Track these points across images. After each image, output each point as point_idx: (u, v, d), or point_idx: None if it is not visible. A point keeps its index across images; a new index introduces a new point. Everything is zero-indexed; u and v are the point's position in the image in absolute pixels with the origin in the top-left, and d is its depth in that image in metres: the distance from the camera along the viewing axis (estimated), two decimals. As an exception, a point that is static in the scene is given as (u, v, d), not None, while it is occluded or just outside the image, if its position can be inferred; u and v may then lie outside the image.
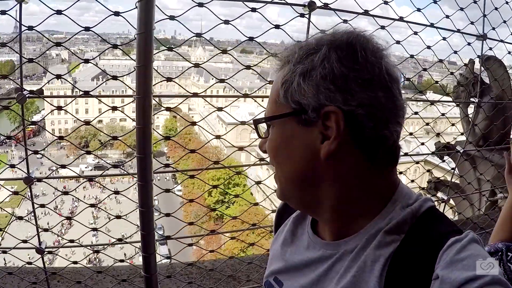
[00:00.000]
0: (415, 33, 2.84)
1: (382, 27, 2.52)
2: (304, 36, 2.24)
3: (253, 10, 2.30)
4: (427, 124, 3.19)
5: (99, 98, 2.44)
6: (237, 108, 46.02)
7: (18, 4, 2.02)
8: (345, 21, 2.26)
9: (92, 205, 2.59)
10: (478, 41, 3.27)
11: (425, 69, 3.09)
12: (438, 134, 3.54)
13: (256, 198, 37.96)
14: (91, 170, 51.03)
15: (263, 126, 1.15)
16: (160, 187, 2.39)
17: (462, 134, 4.13)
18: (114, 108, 2.28)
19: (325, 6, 2.43)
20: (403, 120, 1.04)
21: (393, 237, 0.99)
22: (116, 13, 2.08)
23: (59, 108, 2.26)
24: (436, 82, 3.33)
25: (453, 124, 3.71)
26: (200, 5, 2.14)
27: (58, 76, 2.15)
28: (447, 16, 3.03)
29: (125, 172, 2.68)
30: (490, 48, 3.34)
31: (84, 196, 36.75)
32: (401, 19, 2.73)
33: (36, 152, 2.36)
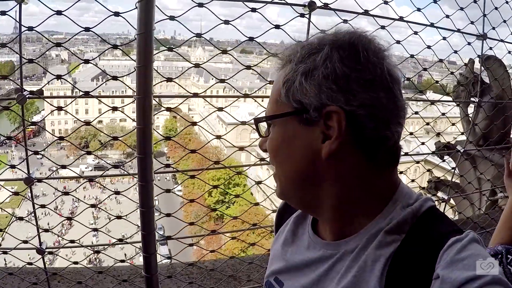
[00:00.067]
0: (415, 32, 2.83)
1: (382, 27, 2.52)
2: (304, 36, 2.24)
3: (253, 10, 2.30)
4: (427, 123, 3.19)
5: (99, 98, 2.43)
6: (237, 108, 46.04)
7: (18, 5, 2.01)
8: (345, 21, 2.26)
9: (92, 205, 2.59)
10: (478, 41, 3.27)
11: (425, 69, 3.09)
12: (438, 134, 3.54)
13: (256, 198, 37.96)
14: (91, 170, 51.07)
15: (263, 125, 1.15)
16: (160, 187, 2.39)
17: (462, 133, 4.13)
18: (115, 109, 2.28)
19: (325, 6, 2.43)
20: (403, 120, 1.05)
21: (394, 237, 0.99)
22: (116, 14, 2.08)
23: (59, 108, 2.27)
24: (437, 82, 3.33)
25: (453, 124, 3.71)
26: (200, 5, 2.14)
27: (58, 77, 2.14)
28: (447, 16, 3.03)
29: (125, 173, 2.68)
30: (490, 48, 3.34)
31: (84, 197, 36.80)
32: (401, 19, 2.73)
33: (36, 153, 2.36)
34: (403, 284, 0.93)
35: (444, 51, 3.25)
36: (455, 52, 3.16)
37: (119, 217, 2.55)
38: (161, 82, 2.38)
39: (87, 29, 2.14)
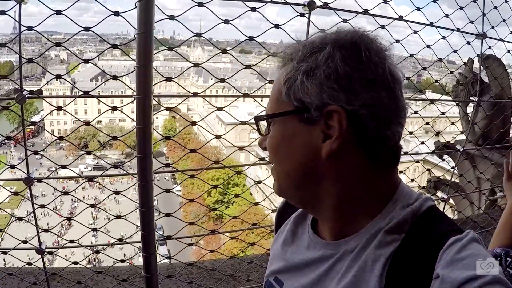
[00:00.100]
0: (415, 32, 2.83)
1: (382, 26, 2.52)
2: (303, 35, 2.24)
3: (253, 9, 2.30)
4: (427, 123, 3.19)
5: (98, 98, 2.43)
6: (236, 108, 46.04)
7: (18, 4, 2.01)
8: (344, 21, 2.26)
9: (92, 205, 2.58)
10: (477, 40, 3.27)
11: (424, 68, 3.09)
12: (438, 133, 3.54)
13: (255, 198, 38.01)
14: (90, 170, 51.09)
15: (263, 124, 1.14)
16: (160, 187, 2.39)
17: (462, 133, 4.13)
18: (114, 108, 2.27)
19: (325, 6, 2.43)
20: (404, 121, 1.05)
21: (394, 236, 1.00)
22: (116, 13, 2.07)
23: (59, 108, 2.26)
24: (436, 81, 3.33)
25: (452, 123, 3.71)
26: (200, 4, 2.13)
27: (58, 76, 2.14)
28: (447, 15, 3.03)
29: (125, 172, 2.67)
30: (490, 47, 3.34)
31: (83, 197, 36.75)
32: (400, 18, 2.73)
33: (36, 153, 2.36)
34: (403, 284, 0.93)
35: (443, 50, 3.25)
36: (455, 51, 3.16)
37: (118, 217, 2.55)
38: (160, 82, 2.38)
39: (86, 29, 2.13)
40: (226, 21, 2.25)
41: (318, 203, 1.08)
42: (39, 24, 2.05)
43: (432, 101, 3.38)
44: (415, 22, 2.85)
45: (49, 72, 2.89)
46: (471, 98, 4.62)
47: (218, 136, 2.53)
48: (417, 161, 3.38)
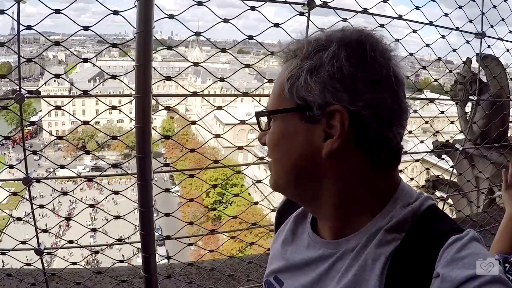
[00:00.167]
0: (414, 31, 2.83)
1: (381, 25, 2.52)
2: (302, 35, 2.23)
3: (252, 8, 2.30)
4: (426, 122, 3.19)
5: (97, 97, 2.42)
6: (234, 109, 46.05)
7: (16, 4, 2.01)
8: (344, 19, 2.26)
9: (91, 205, 2.58)
10: (476, 39, 3.28)
11: (424, 67, 3.10)
12: (437, 132, 3.55)
13: (254, 198, 38.00)
14: (89, 171, 51.04)
15: (263, 119, 1.14)
16: (159, 187, 2.38)
17: (461, 132, 4.14)
18: (113, 108, 2.27)
19: (324, 5, 2.43)
20: (406, 122, 1.05)
21: (394, 235, 0.99)
22: (115, 12, 2.07)
23: (58, 108, 2.25)
24: (435, 80, 3.33)
25: (452, 122, 3.72)
26: (200, 3, 2.14)
27: (57, 76, 2.14)
28: (446, 14, 3.03)
29: (124, 172, 2.67)
30: (489, 46, 3.35)
31: (82, 198, 36.74)
32: (400, 17, 2.73)
33: (34, 153, 2.35)
34: (403, 283, 0.93)
35: (441, 50, 3.25)
36: (454, 50, 3.16)
37: (117, 217, 2.54)
38: (159, 81, 2.38)
39: (85, 28, 2.12)
40: (225, 20, 2.25)
41: (318, 202, 1.08)
42: (37, 24, 2.04)
43: (431, 100, 3.38)
44: (414, 21, 2.85)
45: (48, 72, 2.89)
46: (470, 97, 4.63)
47: (217, 136, 2.52)
48: (417, 160, 3.39)
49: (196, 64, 2.40)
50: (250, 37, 2.36)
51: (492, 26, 3.24)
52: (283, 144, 1.07)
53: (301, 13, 2.39)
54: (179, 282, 2.88)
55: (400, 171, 1.14)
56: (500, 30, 3.35)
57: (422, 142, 3.43)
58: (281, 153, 1.08)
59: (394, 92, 0.99)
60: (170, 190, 2.59)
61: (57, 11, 2.05)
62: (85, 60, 2.27)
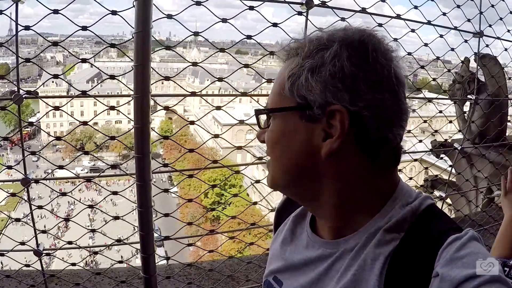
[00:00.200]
0: (412, 30, 2.84)
1: (380, 25, 2.52)
2: (301, 36, 2.23)
3: (251, 8, 2.30)
4: (425, 121, 3.20)
5: (96, 97, 2.42)
6: (232, 109, 46.07)
7: (14, 4, 2.00)
8: (342, 19, 2.26)
9: (89, 206, 2.58)
10: (474, 39, 3.28)
11: (422, 67, 3.10)
12: (436, 131, 3.55)
13: (252, 199, 38.02)
14: (87, 172, 50.95)
15: (263, 117, 1.13)
16: (158, 187, 2.38)
17: (459, 131, 4.14)
18: (112, 108, 2.27)
19: (323, 4, 2.43)
20: (406, 124, 1.05)
21: (393, 235, 0.99)
22: (114, 12, 2.06)
23: (56, 108, 2.25)
24: (434, 79, 3.34)
25: (450, 121, 3.72)
26: (198, 3, 2.13)
27: (55, 76, 2.14)
28: (444, 14, 3.03)
29: (123, 173, 2.67)
30: (487, 45, 3.35)
31: (80, 199, 36.72)
32: (398, 16, 2.73)
33: (33, 153, 2.34)
34: (402, 282, 0.93)
35: (439, 49, 3.25)
36: (452, 49, 3.17)
37: (116, 218, 2.53)
38: (158, 81, 2.37)
39: (84, 28, 2.12)
40: (224, 20, 2.25)
41: (317, 201, 1.08)
42: (35, 24, 2.03)
43: (430, 100, 3.38)
44: (412, 21, 2.85)
45: (46, 72, 2.88)
46: (468, 97, 4.63)
47: (216, 136, 2.52)
48: (416, 160, 3.39)
49: (194, 64, 2.40)
50: (249, 37, 2.36)
51: (490, 25, 3.25)
52: (282, 142, 1.06)
53: (300, 13, 2.39)
54: (179, 282, 2.88)
55: (399, 170, 1.14)
56: (498, 29, 3.36)
57: (420, 141, 3.43)
58: (280, 151, 1.08)
59: (395, 93, 0.99)
60: (169, 190, 2.59)
61: (56, 11, 2.04)
62: (84, 60, 2.27)
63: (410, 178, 3.41)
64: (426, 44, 2.96)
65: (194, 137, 55.62)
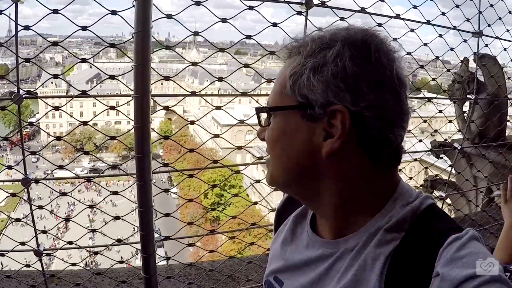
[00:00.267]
0: (412, 30, 2.84)
1: (379, 25, 2.52)
2: (301, 35, 2.23)
3: (251, 8, 2.30)
4: (425, 121, 3.20)
5: (96, 97, 2.42)
6: (232, 110, 46.06)
7: (14, 4, 2.00)
8: (342, 19, 2.26)
9: (89, 206, 2.58)
10: (473, 39, 3.28)
11: (421, 66, 3.10)
12: (435, 131, 3.55)
13: (252, 199, 37.95)
14: (87, 173, 50.90)
15: (263, 115, 1.13)
16: (158, 187, 2.38)
17: (459, 131, 4.14)
18: (112, 108, 2.27)
19: (322, 4, 2.43)
20: (407, 124, 1.05)
21: (393, 235, 0.99)
22: (113, 12, 2.06)
23: (56, 108, 2.25)
24: (433, 79, 3.34)
25: (450, 121, 3.72)
26: (197, 3, 2.13)
27: (55, 76, 2.14)
28: (443, 14, 3.03)
29: (123, 173, 2.67)
30: (486, 45, 3.35)
31: (80, 200, 36.60)
32: (397, 16, 2.73)
33: (33, 153, 2.34)
34: (403, 282, 0.93)
35: (439, 49, 3.26)
36: (451, 49, 3.17)
37: (116, 218, 2.53)
38: (158, 81, 2.37)
39: (83, 28, 2.12)
40: (223, 20, 2.25)
41: (318, 201, 1.08)
42: (35, 24, 2.03)
43: (429, 99, 3.39)
44: (411, 21, 2.85)
45: (46, 72, 2.87)
46: (468, 96, 4.64)
47: (216, 136, 2.52)
48: (416, 159, 3.39)
49: (194, 64, 2.40)
50: (248, 37, 2.36)
51: (489, 25, 3.25)
52: (283, 141, 1.06)
53: (299, 13, 2.39)
54: (179, 282, 2.88)
55: (399, 170, 1.14)
56: (497, 29, 3.36)
57: (420, 141, 3.43)
58: (281, 149, 1.08)
59: (397, 94, 0.99)
60: (169, 190, 2.58)
61: (55, 11, 2.04)
62: (83, 60, 2.27)
63: (410, 178, 3.41)
64: (425, 44, 2.96)
65: (194, 138, 55.64)
